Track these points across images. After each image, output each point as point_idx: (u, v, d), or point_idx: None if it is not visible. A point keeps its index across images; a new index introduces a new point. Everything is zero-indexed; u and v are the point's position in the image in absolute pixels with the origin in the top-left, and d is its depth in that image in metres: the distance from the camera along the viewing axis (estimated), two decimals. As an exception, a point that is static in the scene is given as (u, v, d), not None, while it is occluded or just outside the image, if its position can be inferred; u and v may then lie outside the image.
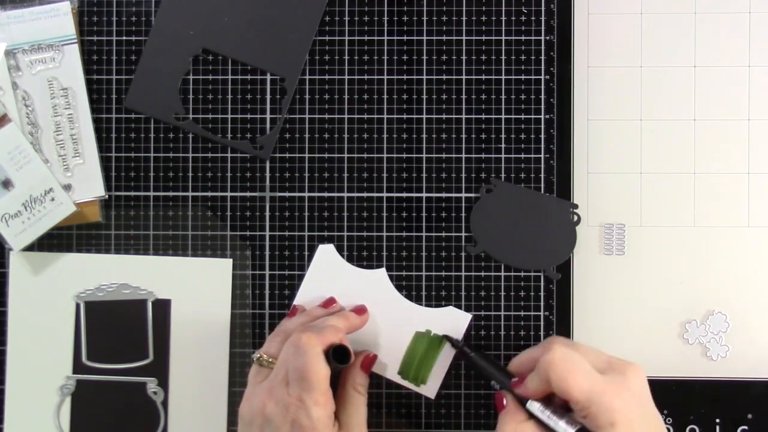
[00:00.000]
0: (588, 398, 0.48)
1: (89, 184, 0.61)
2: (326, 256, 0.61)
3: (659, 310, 0.61)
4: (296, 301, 0.61)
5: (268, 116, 0.62)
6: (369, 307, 0.60)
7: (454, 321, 0.61)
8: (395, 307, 0.61)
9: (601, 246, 0.62)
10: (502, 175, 0.62)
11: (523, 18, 0.62)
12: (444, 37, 0.62)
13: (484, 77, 0.62)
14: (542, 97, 0.62)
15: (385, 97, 0.62)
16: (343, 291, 0.61)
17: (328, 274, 0.61)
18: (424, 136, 0.62)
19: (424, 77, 0.62)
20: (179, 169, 0.62)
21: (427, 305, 0.62)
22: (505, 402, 0.53)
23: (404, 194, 0.62)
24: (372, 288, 0.61)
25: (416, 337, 0.60)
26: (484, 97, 0.62)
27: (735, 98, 0.62)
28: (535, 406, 0.52)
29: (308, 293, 0.61)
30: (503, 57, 0.62)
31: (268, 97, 0.62)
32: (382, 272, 0.61)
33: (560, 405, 0.51)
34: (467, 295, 0.62)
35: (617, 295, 0.62)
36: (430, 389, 0.61)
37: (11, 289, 0.62)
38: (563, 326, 0.62)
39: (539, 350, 0.53)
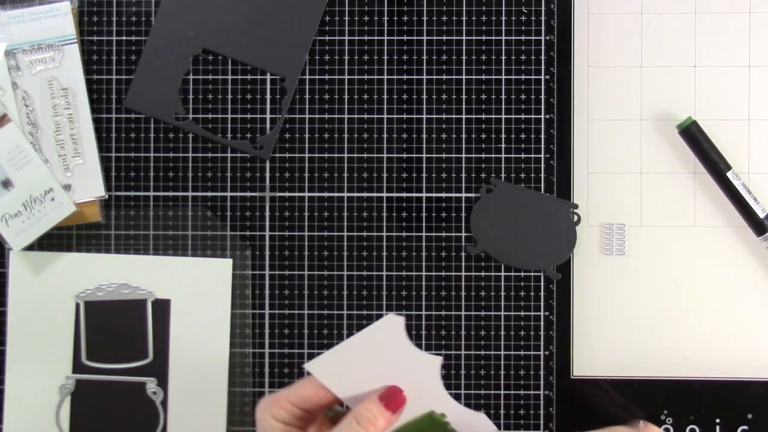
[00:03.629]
0: None
1: (89, 184, 0.62)
2: (392, 327, 0.52)
3: (659, 310, 0.61)
4: (337, 351, 0.51)
5: (268, 116, 0.62)
6: (409, 390, 0.52)
7: (478, 427, 0.52)
8: (432, 398, 0.52)
9: (601, 246, 0.62)
10: (502, 175, 0.62)
11: (523, 18, 0.62)
12: (444, 37, 0.62)
13: (484, 77, 0.62)
14: (542, 97, 0.62)
15: (385, 97, 0.62)
16: (388, 362, 0.52)
17: (383, 343, 0.52)
18: (424, 136, 0.62)
19: (424, 77, 0.62)
20: (179, 169, 0.62)
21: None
22: None
23: (404, 194, 0.62)
24: (419, 371, 0.52)
25: (427, 414, 0.52)
26: (484, 97, 0.62)
27: (735, 98, 0.62)
28: None
29: (352, 350, 0.52)
30: (503, 57, 0.62)
31: (268, 97, 0.62)
32: (437, 360, 0.52)
33: None
34: (467, 295, 0.62)
35: (617, 295, 0.61)
36: None
37: (11, 289, 0.62)
38: (563, 326, 0.62)
39: None
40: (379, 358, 0.52)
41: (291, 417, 0.50)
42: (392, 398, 0.50)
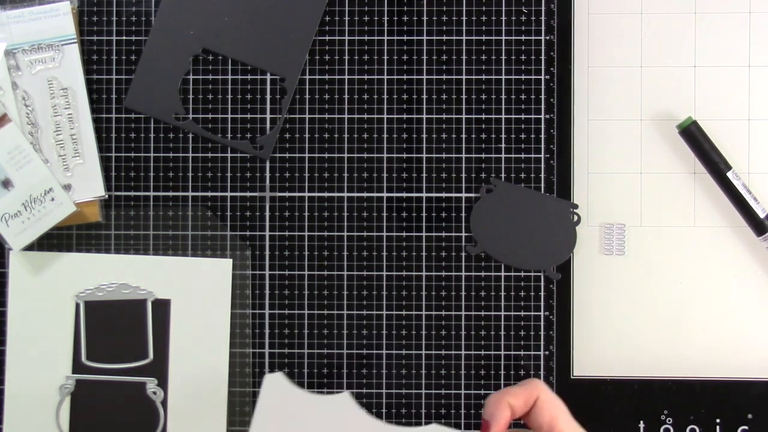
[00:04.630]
0: None
1: (89, 184, 0.62)
2: (275, 386, 0.50)
3: (659, 310, 0.61)
4: None
5: (268, 116, 0.62)
6: None
7: None
8: (366, 430, 0.51)
9: (601, 246, 0.62)
10: (502, 175, 0.62)
11: (523, 18, 0.62)
12: (444, 37, 0.62)
13: (484, 77, 0.62)
14: (542, 97, 0.62)
15: (385, 97, 0.62)
16: (302, 421, 0.50)
17: (282, 406, 0.50)
18: (424, 136, 0.62)
19: (424, 77, 0.62)
20: (179, 169, 0.62)
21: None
22: None
23: (404, 194, 0.62)
24: (337, 414, 0.51)
25: None
26: (484, 97, 0.62)
27: (735, 98, 0.62)
28: None
29: (263, 428, 0.50)
30: (503, 57, 0.62)
31: (268, 97, 0.62)
32: (345, 397, 0.51)
33: None
34: (467, 295, 0.62)
35: (617, 295, 0.62)
36: None
37: (11, 289, 0.62)
38: (563, 326, 0.62)
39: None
40: (293, 422, 0.50)
41: None
42: None
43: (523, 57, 0.62)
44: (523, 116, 0.62)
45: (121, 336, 0.61)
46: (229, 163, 0.62)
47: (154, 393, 0.61)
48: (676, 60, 0.62)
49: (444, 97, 0.62)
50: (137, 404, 0.61)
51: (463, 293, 0.62)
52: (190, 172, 0.62)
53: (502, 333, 0.62)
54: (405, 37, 0.62)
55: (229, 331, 0.61)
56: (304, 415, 0.50)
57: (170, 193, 0.62)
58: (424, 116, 0.62)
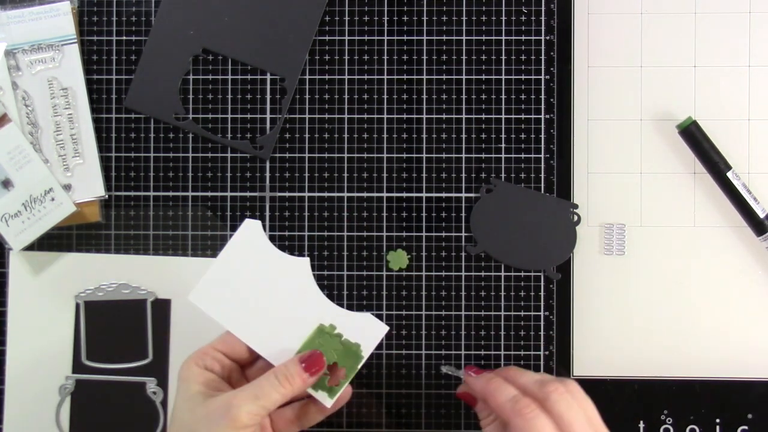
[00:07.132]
0: None
1: (89, 184, 0.62)
2: (251, 232, 0.56)
3: (659, 310, 0.61)
4: (211, 274, 0.55)
5: (268, 116, 0.62)
6: (285, 296, 0.56)
7: (369, 329, 0.56)
8: (311, 302, 0.56)
9: (601, 246, 0.62)
10: (502, 175, 0.62)
11: (523, 18, 0.62)
12: (444, 37, 0.62)
13: (484, 77, 0.62)
14: (542, 97, 0.62)
15: (385, 97, 0.62)
16: (261, 273, 0.56)
17: (249, 253, 0.56)
18: (424, 136, 0.62)
19: (424, 77, 0.62)
20: (179, 169, 0.62)
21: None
22: None
23: (404, 194, 0.62)
24: (291, 276, 0.56)
25: (317, 330, 0.55)
26: (484, 97, 0.62)
27: (735, 98, 0.62)
28: None
29: (224, 269, 0.55)
30: (503, 57, 0.62)
31: (268, 97, 0.62)
32: (305, 262, 0.56)
33: None
34: (467, 295, 0.62)
35: (617, 295, 0.62)
36: (324, 396, 0.54)
37: (11, 289, 0.62)
38: (563, 326, 0.62)
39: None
40: (251, 271, 0.56)
41: (219, 367, 0.53)
42: (312, 362, 0.53)
43: (523, 57, 0.62)
44: (523, 116, 0.62)
45: (121, 336, 0.61)
46: (229, 163, 0.62)
47: (154, 393, 0.61)
48: (676, 60, 0.62)
49: (444, 97, 0.62)
50: (137, 404, 0.61)
51: (463, 293, 0.62)
52: (190, 172, 0.62)
53: (502, 333, 0.62)
54: (405, 37, 0.62)
55: (229, 331, 0.61)
56: (263, 266, 0.56)
57: (170, 193, 0.62)
58: (424, 116, 0.62)
